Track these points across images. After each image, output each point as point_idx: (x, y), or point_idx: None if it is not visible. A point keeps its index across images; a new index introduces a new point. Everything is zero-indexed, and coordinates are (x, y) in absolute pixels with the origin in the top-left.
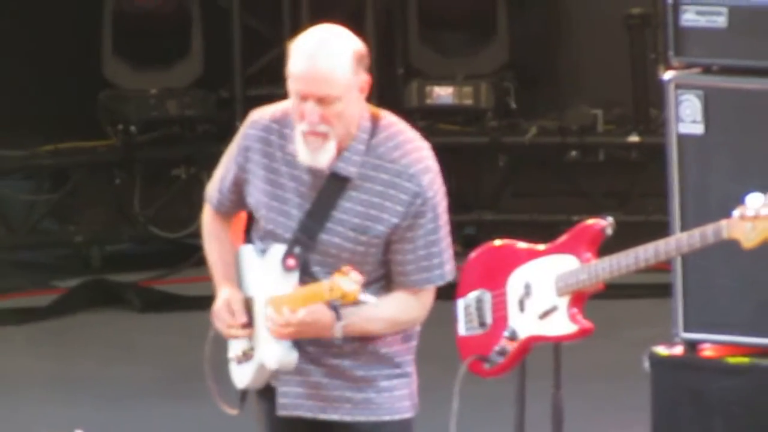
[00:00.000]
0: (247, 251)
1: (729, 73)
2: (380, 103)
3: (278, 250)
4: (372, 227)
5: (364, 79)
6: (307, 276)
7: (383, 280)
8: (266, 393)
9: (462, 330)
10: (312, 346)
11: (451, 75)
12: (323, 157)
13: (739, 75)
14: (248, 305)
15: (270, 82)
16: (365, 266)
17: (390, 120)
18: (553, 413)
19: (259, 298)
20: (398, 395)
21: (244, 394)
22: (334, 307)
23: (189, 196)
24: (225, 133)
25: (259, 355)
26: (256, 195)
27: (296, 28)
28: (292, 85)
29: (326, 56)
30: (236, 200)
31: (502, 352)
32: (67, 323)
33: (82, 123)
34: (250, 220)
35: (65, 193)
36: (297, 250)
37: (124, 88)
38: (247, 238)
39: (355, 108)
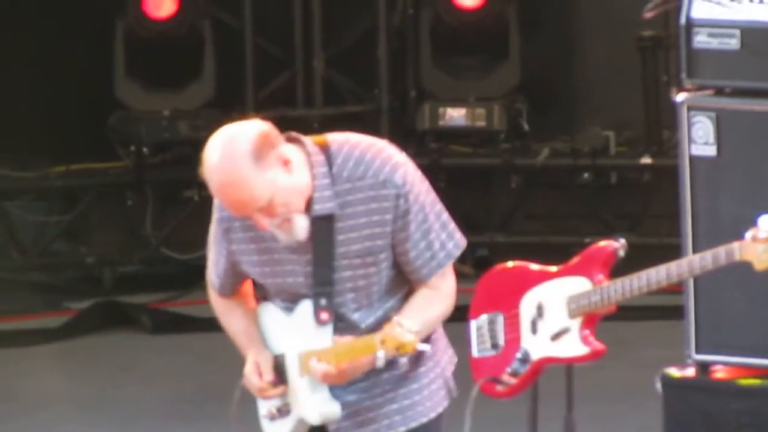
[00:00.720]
0: (270, 310)
1: (741, 95)
2: (393, 125)
3: (306, 306)
4: (373, 246)
5: (278, 156)
6: (341, 321)
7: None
8: None
9: (475, 351)
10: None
11: (463, 97)
12: (300, 232)
13: (751, 97)
14: (279, 363)
15: (282, 104)
16: (384, 285)
17: (337, 141)
18: None
19: (292, 354)
20: (435, 388)
21: None
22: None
23: (201, 218)
24: None
25: (298, 410)
26: (253, 269)
27: (308, 51)
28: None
29: (231, 189)
30: (236, 279)
31: (515, 374)
32: (79, 344)
33: (94, 144)
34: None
35: (77, 214)
36: (323, 302)
37: (136, 110)
38: (259, 294)
39: (291, 180)
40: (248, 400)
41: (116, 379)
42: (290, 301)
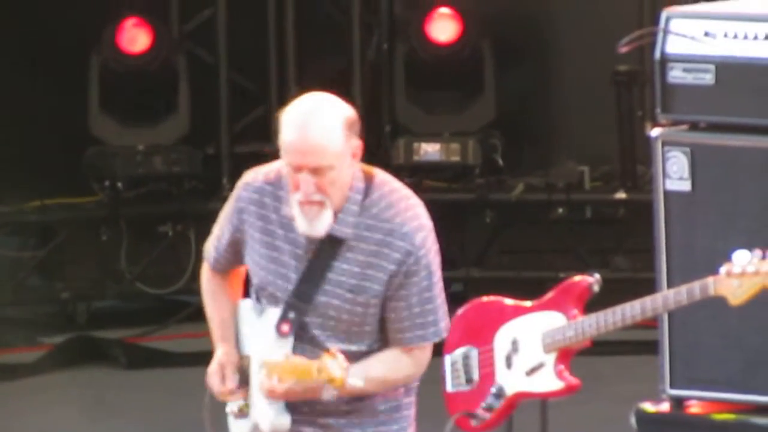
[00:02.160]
0: (246, 307)
1: (716, 130)
2: (368, 160)
3: (274, 314)
4: (369, 287)
5: (356, 144)
6: (306, 341)
7: (383, 339)
8: None
9: (449, 386)
10: (307, 407)
11: (438, 132)
12: (321, 226)
13: (725, 132)
14: (244, 365)
15: (256, 140)
16: (366, 326)
17: (383, 179)
18: None
19: (255, 358)
20: None
21: None
22: None
23: (176, 253)
24: (212, 190)
25: (254, 414)
26: (252, 256)
27: (283, 86)
28: (284, 156)
29: (317, 127)
30: (232, 259)
31: (489, 408)
32: (53, 380)
33: (68, 179)
34: (249, 273)
35: (51, 249)
36: (291, 315)
37: (111, 144)
38: (247, 292)
39: (348, 173)
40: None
41: (91, 415)
42: (268, 300)
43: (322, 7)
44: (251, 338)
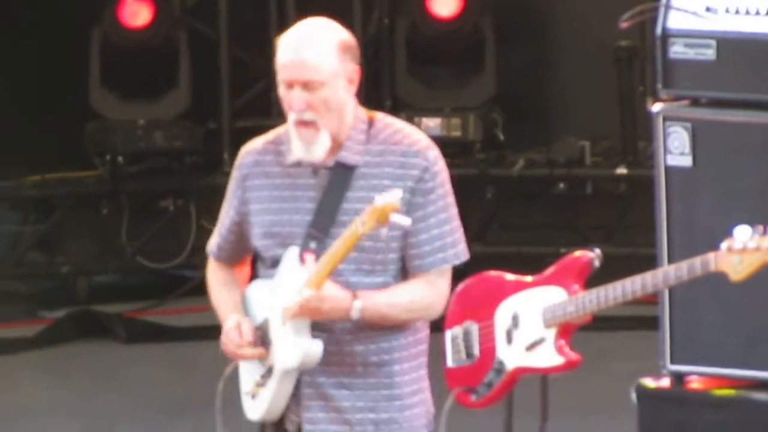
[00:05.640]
0: (254, 287)
1: (717, 106)
2: None
3: (292, 251)
4: None
5: (352, 68)
6: (338, 276)
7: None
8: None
9: (450, 361)
10: (334, 366)
11: (439, 107)
12: (318, 150)
13: (727, 107)
14: (261, 333)
15: (257, 114)
16: (389, 254)
17: (384, 116)
18: None
19: (274, 314)
20: (417, 413)
21: (262, 427)
22: (353, 290)
23: (176, 228)
24: (213, 165)
25: (280, 365)
26: (263, 218)
27: None
28: (279, 75)
29: (311, 43)
30: (236, 242)
31: (490, 384)
32: (54, 354)
33: (69, 154)
34: (255, 266)
35: (52, 224)
36: (312, 245)
37: (112, 119)
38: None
39: (344, 97)
40: (230, 404)
41: (91, 389)
42: (278, 239)
43: None
44: (267, 302)
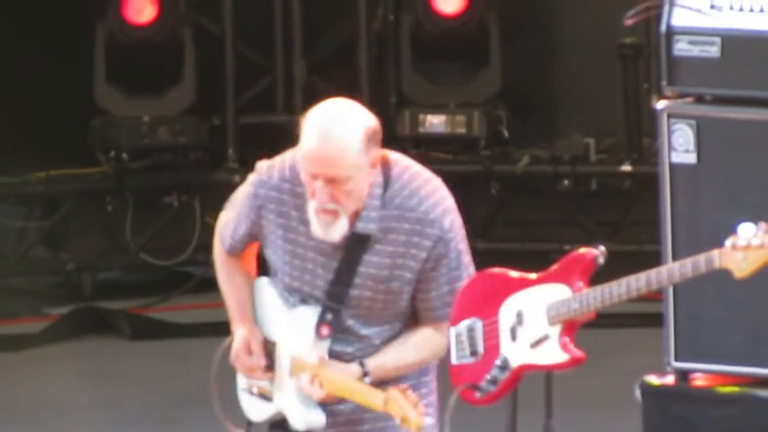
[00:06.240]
0: (268, 290)
1: (722, 103)
2: None
3: (310, 313)
4: (400, 275)
5: (376, 155)
6: (340, 332)
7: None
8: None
9: (454, 358)
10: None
11: (443, 104)
12: (336, 233)
13: (731, 105)
14: (269, 349)
15: (262, 110)
16: (399, 309)
17: (401, 166)
18: None
19: (284, 351)
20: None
21: (250, 424)
22: (361, 362)
23: (181, 224)
24: (217, 161)
25: (281, 405)
26: (275, 251)
27: (289, 57)
28: (302, 163)
29: (337, 137)
30: (248, 243)
31: (494, 381)
32: (59, 350)
33: (74, 150)
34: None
35: (57, 220)
36: (329, 317)
37: (117, 116)
38: (260, 268)
39: (365, 182)
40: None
41: (95, 385)
42: (297, 296)
43: None
44: (279, 327)
